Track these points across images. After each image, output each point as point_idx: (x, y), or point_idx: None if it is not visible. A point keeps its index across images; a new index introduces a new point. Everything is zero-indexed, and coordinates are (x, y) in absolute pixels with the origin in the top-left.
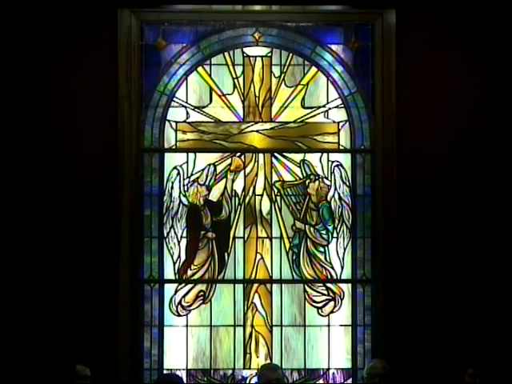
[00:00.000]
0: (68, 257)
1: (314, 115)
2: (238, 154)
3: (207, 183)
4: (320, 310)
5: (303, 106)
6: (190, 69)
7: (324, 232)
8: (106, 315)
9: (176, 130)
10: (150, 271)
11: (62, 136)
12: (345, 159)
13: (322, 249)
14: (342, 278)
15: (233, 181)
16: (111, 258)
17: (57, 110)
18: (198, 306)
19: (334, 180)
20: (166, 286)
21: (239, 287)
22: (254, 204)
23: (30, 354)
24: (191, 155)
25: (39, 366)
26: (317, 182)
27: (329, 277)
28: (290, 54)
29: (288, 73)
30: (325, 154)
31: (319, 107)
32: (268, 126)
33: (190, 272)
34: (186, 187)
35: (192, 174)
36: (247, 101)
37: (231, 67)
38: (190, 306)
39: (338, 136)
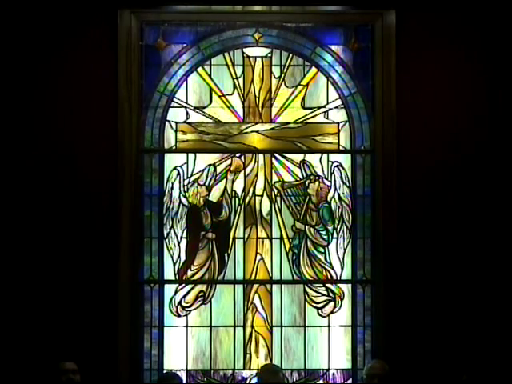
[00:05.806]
0: (68, 257)
1: (314, 116)
2: (238, 155)
3: (207, 184)
4: (320, 311)
5: (303, 107)
6: (189, 69)
7: (324, 232)
8: (105, 316)
9: (176, 131)
10: (149, 272)
11: (62, 136)
12: (345, 160)
13: (322, 249)
14: (342, 278)
15: (233, 181)
16: (111, 258)
17: (57, 110)
18: (198, 306)
19: (334, 180)
20: (166, 286)
21: (239, 288)
22: (254, 204)
23: (29, 354)
24: (191, 156)
25: (39, 366)
26: (317, 183)
27: (329, 277)
28: (290, 55)
29: (288, 73)
30: (325, 155)
31: (319, 108)
32: (268, 126)
33: (189, 272)
34: (185, 188)
35: (192, 175)
36: (247, 101)
37: (231, 68)
38: (189, 306)
39: (338, 136)
